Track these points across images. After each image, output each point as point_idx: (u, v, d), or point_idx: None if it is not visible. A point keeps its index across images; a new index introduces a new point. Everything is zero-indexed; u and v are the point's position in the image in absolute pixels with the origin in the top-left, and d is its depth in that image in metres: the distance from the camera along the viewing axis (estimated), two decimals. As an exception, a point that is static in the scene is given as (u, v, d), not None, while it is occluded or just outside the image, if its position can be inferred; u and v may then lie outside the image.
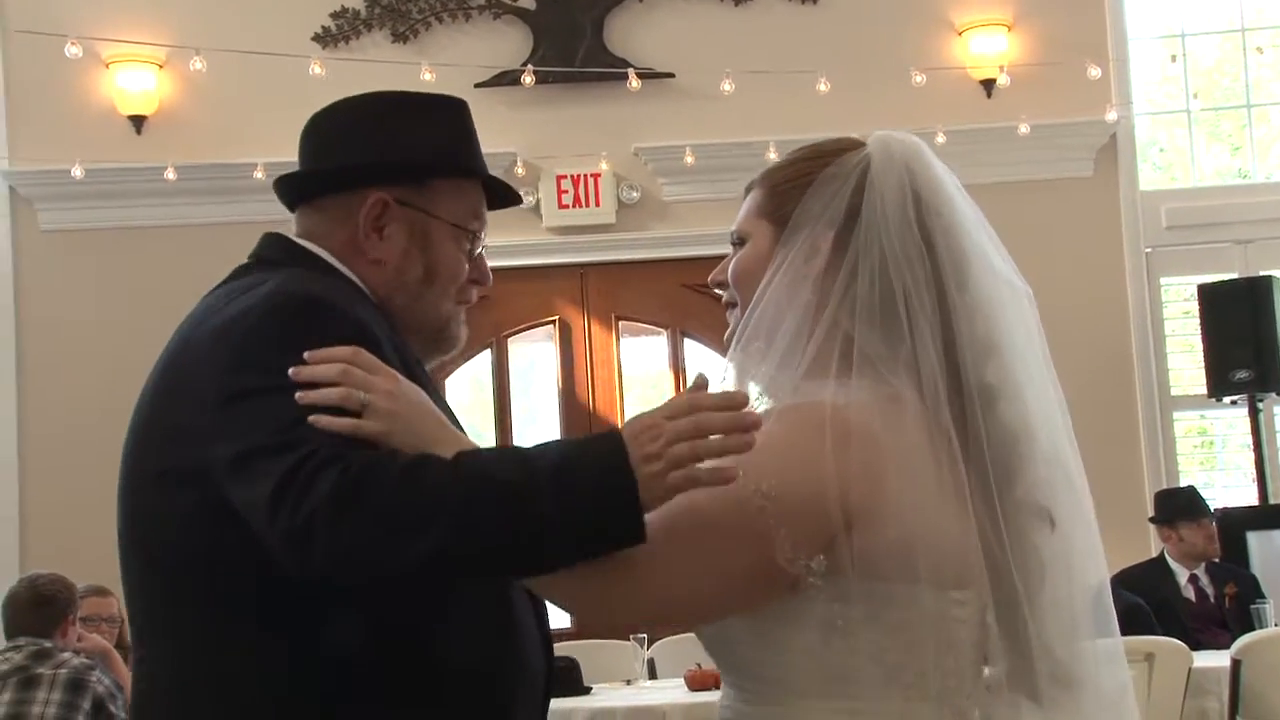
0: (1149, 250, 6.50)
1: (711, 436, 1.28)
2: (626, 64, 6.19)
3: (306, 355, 1.36)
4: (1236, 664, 4.28)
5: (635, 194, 6.32)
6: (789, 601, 1.33)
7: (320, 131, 1.69)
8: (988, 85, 6.41)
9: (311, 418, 1.33)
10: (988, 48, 6.42)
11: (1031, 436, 1.44)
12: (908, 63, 6.19)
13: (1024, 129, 6.25)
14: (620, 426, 1.33)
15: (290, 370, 1.36)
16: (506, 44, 6.27)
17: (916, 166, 1.51)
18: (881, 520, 1.32)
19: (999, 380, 1.43)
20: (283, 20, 6.05)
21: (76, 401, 5.75)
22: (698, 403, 1.29)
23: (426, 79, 5.85)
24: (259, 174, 5.72)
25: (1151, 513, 5.58)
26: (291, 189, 1.67)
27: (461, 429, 1.50)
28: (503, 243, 6.10)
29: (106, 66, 6.06)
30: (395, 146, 1.63)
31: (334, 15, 6.22)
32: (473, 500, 1.28)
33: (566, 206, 6.26)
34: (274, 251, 1.62)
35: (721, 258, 6.01)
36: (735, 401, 1.30)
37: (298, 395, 1.34)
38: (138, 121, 6.08)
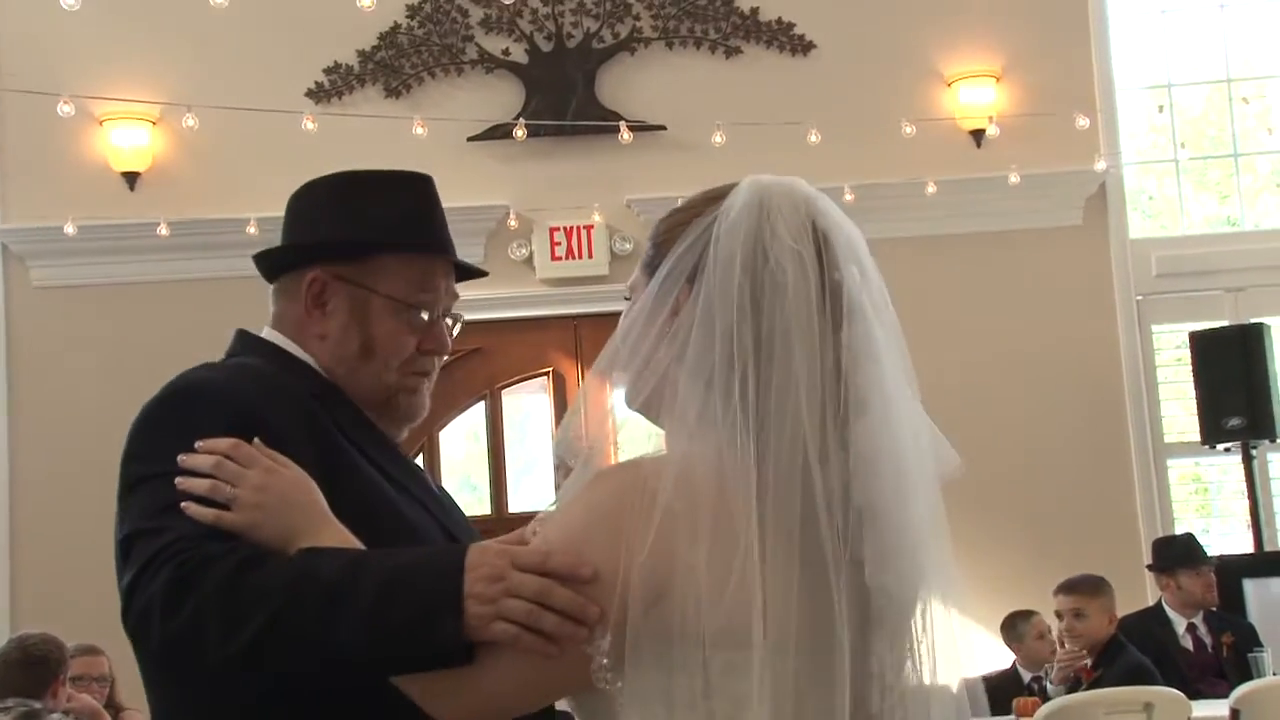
0: (1140, 298, 6.52)
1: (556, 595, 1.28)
2: (618, 117, 6.23)
3: (197, 445, 1.42)
4: (1235, 714, 4.25)
5: (628, 245, 6.34)
6: (613, 678, 1.31)
7: (290, 211, 1.75)
8: (977, 135, 6.45)
9: (183, 504, 1.39)
10: (977, 98, 6.47)
11: (886, 514, 1.36)
12: (897, 113, 6.23)
13: (1014, 178, 6.28)
14: (467, 550, 1.33)
15: (179, 457, 1.42)
16: (499, 98, 6.31)
17: (773, 214, 1.41)
18: (680, 590, 1.28)
19: (859, 444, 1.36)
20: (276, 76, 6.09)
21: (68, 456, 5.72)
22: (550, 567, 1.28)
23: (418, 133, 5.88)
24: (252, 229, 5.73)
25: (1149, 560, 5.55)
26: (260, 269, 1.75)
27: (426, 496, 1.59)
28: (496, 295, 6.12)
29: (100, 124, 6.08)
30: (340, 225, 1.68)
31: (327, 71, 6.25)
32: (293, 599, 1.31)
33: (560, 258, 6.27)
34: (235, 345, 1.71)
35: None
36: (581, 576, 1.28)
37: (177, 481, 1.41)
38: (131, 178, 6.09)
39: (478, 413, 6.35)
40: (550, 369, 6.38)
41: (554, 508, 1.40)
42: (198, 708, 1.49)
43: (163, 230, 5.90)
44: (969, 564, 5.39)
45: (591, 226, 6.27)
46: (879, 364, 1.39)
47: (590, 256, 6.28)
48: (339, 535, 1.41)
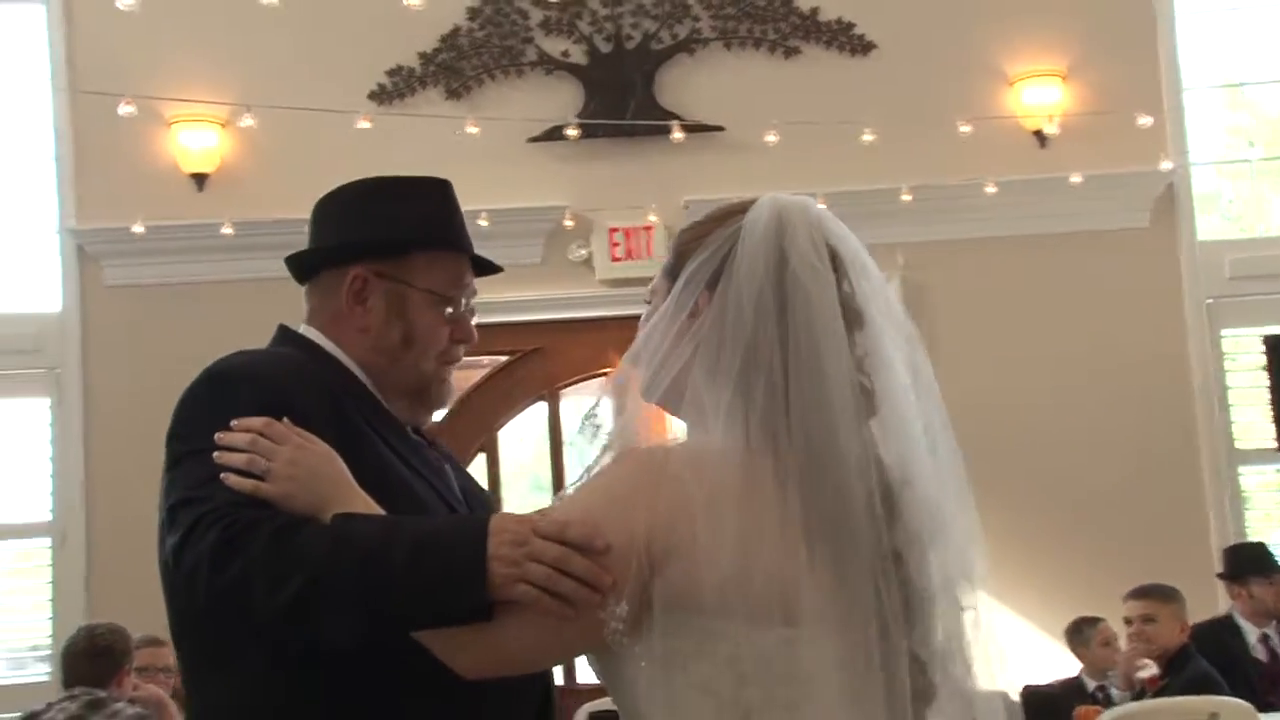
0: (1210, 301, 6.43)
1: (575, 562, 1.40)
2: (677, 117, 6.25)
3: (233, 424, 1.56)
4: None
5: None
6: (631, 642, 1.42)
7: (318, 215, 1.89)
8: (1040, 136, 6.39)
9: (221, 476, 1.53)
10: (1041, 98, 6.41)
11: (910, 486, 1.50)
12: (958, 113, 6.19)
13: (1076, 179, 6.22)
14: (491, 518, 1.45)
15: (215, 435, 1.56)
16: (559, 99, 6.35)
17: (791, 230, 1.54)
18: (690, 561, 1.39)
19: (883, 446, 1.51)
20: (340, 79, 6.16)
21: (140, 450, 5.77)
22: (568, 536, 1.40)
23: (471, 133, 5.92)
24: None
25: (1220, 569, 5.46)
26: (293, 269, 1.90)
27: (438, 481, 1.72)
28: (556, 296, 6.16)
29: (169, 126, 6.18)
30: (376, 225, 1.81)
31: (389, 73, 6.32)
32: (329, 560, 1.43)
33: (619, 259, 6.29)
34: (276, 338, 1.86)
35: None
36: (596, 547, 1.40)
37: (215, 456, 1.54)
38: (199, 179, 6.20)
39: (539, 412, 6.39)
40: (609, 369, 6.39)
41: (575, 488, 1.51)
42: (236, 708, 1.61)
43: (227, 230, 5.99)
44: (1035, 570, 5.40)
45: (650, 227, 6.29)
46: (891, 370, 1.52)
47: (650, 257, 6.29)
48: (366, 504, 1.54)
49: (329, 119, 5.88)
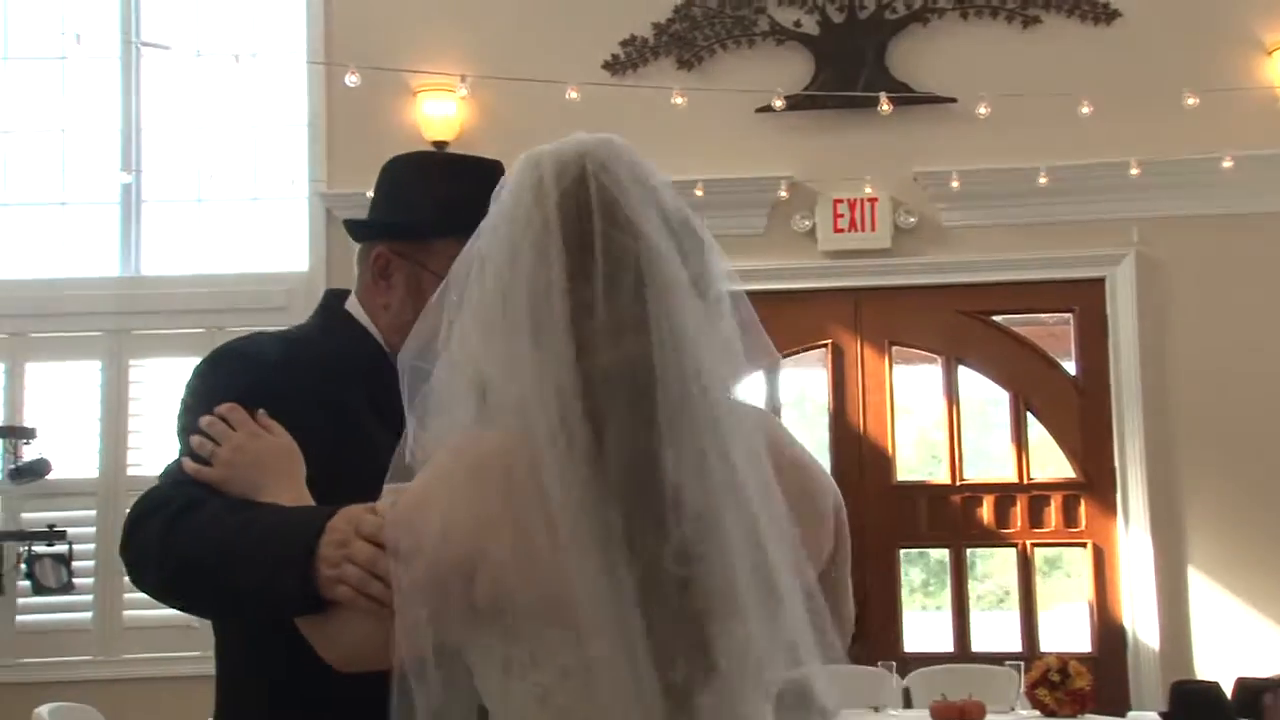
0: None
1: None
2: (908, 89, 6.14)
3: (215, 409, 1.64)
4: None
5: (912, 219, 6.25)
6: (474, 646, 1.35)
7: (377, 184, 1.94)
8: (1297, 109, 6.04)
9: (183, 458, 1.63)
10: (1298, 68, 6.05)
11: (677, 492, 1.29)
12: (1204, 84, 5.90)
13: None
14: (336, 512, 1.46)
15: (201, 418, 1.64)
16: (789, 69, 6.31)
17: (576, 176, 1.36)
18: (499, 564, 1.29)
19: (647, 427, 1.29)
20: (575, 50, 6.27)
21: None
22: (380, 537, 1.39)
23: (699, 101, 5.95)
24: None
25: None
26: (350, 233, 1.95)
27: None
28: (777, 265, 6.15)
29: (414, 95, 6.42)
30: (403, 207, 1.86)
31: (623, 44, 6.40)
32: (199, 548, 1.53)
33: (842, 230, 6.24)
34: (318, 307, 1.94)
35: (999, 284, 5.95)
36: (402, 548, 1.34)
37: (191, 438, 1.64)
38: (441, 146, 6.41)
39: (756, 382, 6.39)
40: (829, 341, 6.36)
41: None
42: (246, 674, 1.73)
43: (466, 197, 6.17)
44: (1271, 556, 5.16)
45: (875, 199, 6.21)
46: (683, 350, 1.31)
47: (873, 229, 6.22)
48: (296, 495, 1.57)
49: (562, 88, 6.00)
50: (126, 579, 5.14)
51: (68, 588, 6.16)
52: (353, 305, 1.88)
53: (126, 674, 6.11)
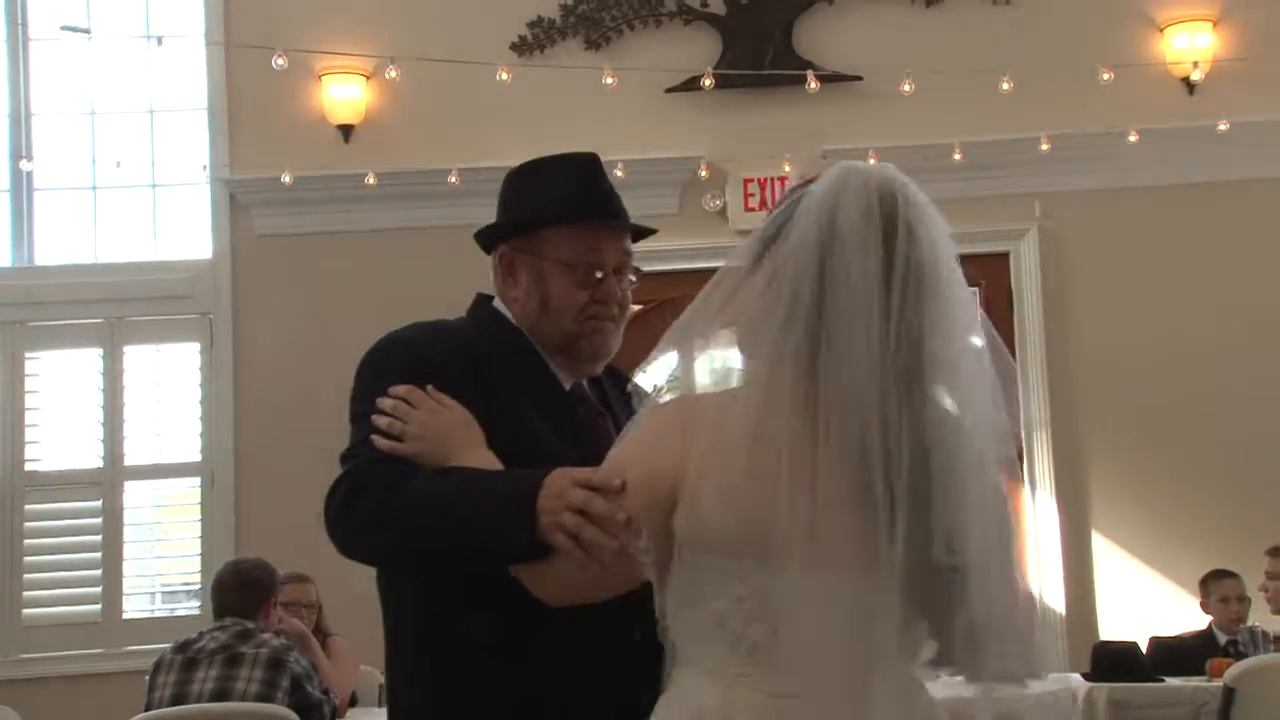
0: (1365, 251, 6.15)
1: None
2: (814, 68, 6.15)
3: (390, 391, 1.82)
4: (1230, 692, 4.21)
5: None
6: (667, 576, 1.55)
7: (499, 196, 2.12)
8: (1188, 84, 6.16)
9: (372, 436, 1.79)
10: (1190, 44, 6.16)
11: (946, 471, 1.50)
12: (1102, 61, 5.99)
13: (1224, 126, 5.99)
14: (551, 473, 1.63)
15: (377, 401, 1.82)
16: (696, 49, 6.29)
17: (845, 199, 1.58)
18: (699, 501, 1.50)
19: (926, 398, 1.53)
20: (481, 31, 6.18)
21: (287, 394, 5.99)
22: (594, 481, 1.57)
23: (607, 83, 5.91)
24: (453, 179, 5.87)
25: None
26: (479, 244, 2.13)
27: (599, 440, 1.86)
28: (690, 246, 6.11)
29: (319, 79, 6.29)
30: (515, 207, 2.06)
31: (530, 25, 6.33)
32: (421, 511, 1.72)
33: (753, 209, 6.23)
34: (471, 305, 2.11)
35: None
36: (612, 488, 1.53)
37: (373, 419, 1.81)
38: (346, 130, 6.30)
39: (671, 361, 6.38)
40: (743, 319, 6.36)
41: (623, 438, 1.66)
42: (411, 617, 1.92)
43: (370, 179, 6.09)
44: (1172, 523, 5.30)
45: (785, 178, 6.22)
46: (950, 344, 1.54)
47: (784, 208, 6.22)
48: (485, 459, 1.75)
49: (470, 72, 5.92)
50: (26, 576, 5.05)
51: (-33, 588, 5.98)
52: (497, 303, 2.07)
53: (27, 674, 5.95)
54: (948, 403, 1.52)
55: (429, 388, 1.82)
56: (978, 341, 1.58)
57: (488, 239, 2.07)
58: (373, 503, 1.75)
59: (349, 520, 1.77)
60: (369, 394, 1.85)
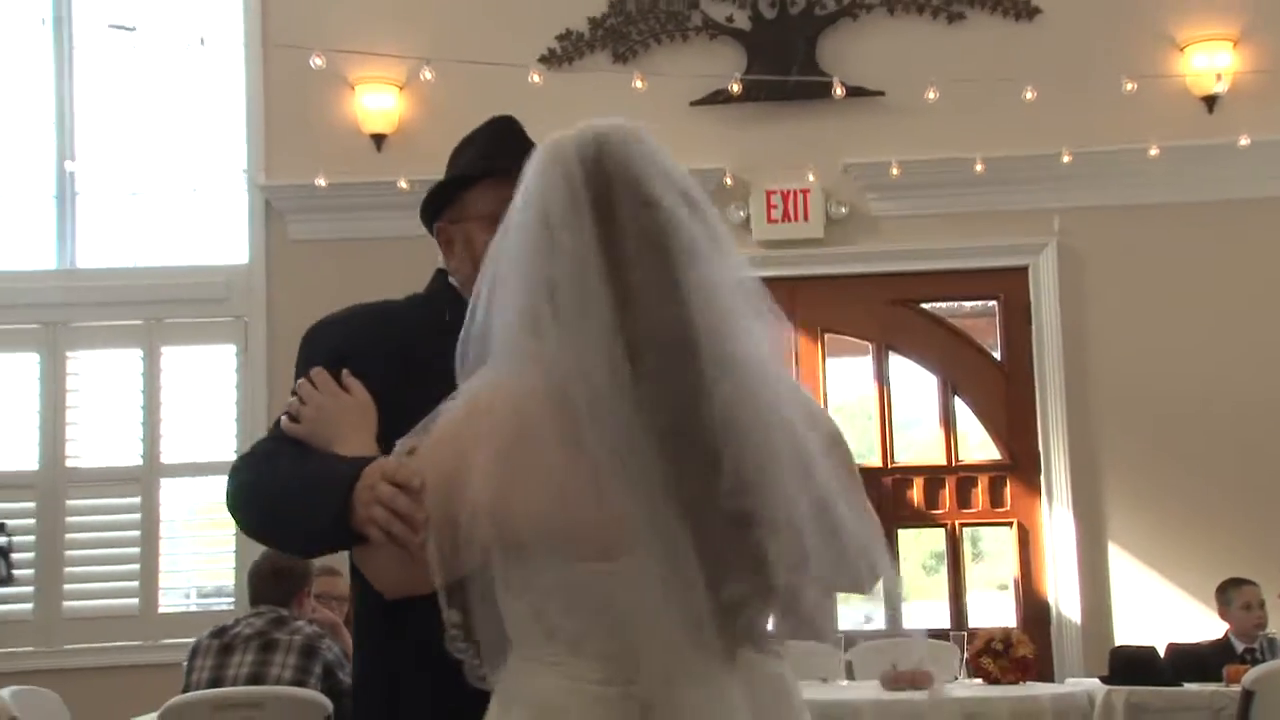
0: (1380, 270, 6.11)
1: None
2: (838, 82, 6.14)
3: (310, 373, 1.83)
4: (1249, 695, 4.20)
5: (844, 209, 6.27)
6: (464, 577, 1.50)
7: None
8: (1209, 101, 6.13)
9: (281, 417, 1.82)
10: (1210, 63, 6.13)
11: (740, 440, 1.42)
12: (1123, 79, 5.97)
13: (1244, 142, 5.96)
14: (371, 462, 1.60)
15: (297, 381, 1.84)
16: (721, 63, 6.30)
17: (595, 157, 1.51)
18: (501, 496, 1.44)
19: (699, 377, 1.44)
20: (511, 44, 6.21)
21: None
22: (397, 477, 1.53)
23: (637, 86, 5.94)
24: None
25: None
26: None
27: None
28: (714, 256, 6.12)
29: (353, 89, 6.33)
30: (442, 184, 2.06)
31: (559, 37, 6.36)
32: (263, 491, 1.76)
33: (775, 221, 6.24)
34: (429, 281, 2.10)
35: (929, 274, 5.94)
36: (412, 487, 1.50)
37: (289, 400, 1.84)
38: (378, 139, 6.34)
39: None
40: (764, 328, 6.35)
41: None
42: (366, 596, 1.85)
43: (403, 186, 6.12)
44: (1188, 535, 5.28)
45: (807, 190, 6.22)
46: (715, 307, 1.45)
47: (806, 220, 6.23)
48: (361, 444, 1.72)
49: (499, 83, 5.94)
50: (66, 569, 5.06)
51: (7, 579, 6.04)
52: (452, 279, 2.06)
53: (68, 664, 6.01)
54: (724, 369, 1.43)
55: (344, 372, 1.82)
56: (750, 302, 1.50)
57: (423, 217, 2.07)
58: (240, 480, 1.80)
59: (229, 493, 1.82)
60: (297, 374, 1.88)
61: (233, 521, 1.83)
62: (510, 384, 1.48)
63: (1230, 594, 5.17)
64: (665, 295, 1.44)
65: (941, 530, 6.33)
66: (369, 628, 1.91)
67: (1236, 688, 4.37)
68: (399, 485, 1.52)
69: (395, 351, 1.88)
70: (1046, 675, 5.60)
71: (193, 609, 6.41)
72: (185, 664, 4.03)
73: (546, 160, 1.54)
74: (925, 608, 6.74)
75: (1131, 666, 4.72)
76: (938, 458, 6.36)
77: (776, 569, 1.42)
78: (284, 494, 1.73)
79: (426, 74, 6.05)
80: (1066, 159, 6.05)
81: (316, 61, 5.87)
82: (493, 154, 2.02)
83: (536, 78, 5.99)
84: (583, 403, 1.42)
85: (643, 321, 1.43)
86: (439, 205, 2.05)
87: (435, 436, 1.52)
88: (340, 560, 1.84)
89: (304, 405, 1.79)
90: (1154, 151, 6.02)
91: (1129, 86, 5.94)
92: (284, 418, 1.82)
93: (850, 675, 5.19)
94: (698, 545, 1.41)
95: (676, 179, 1.53)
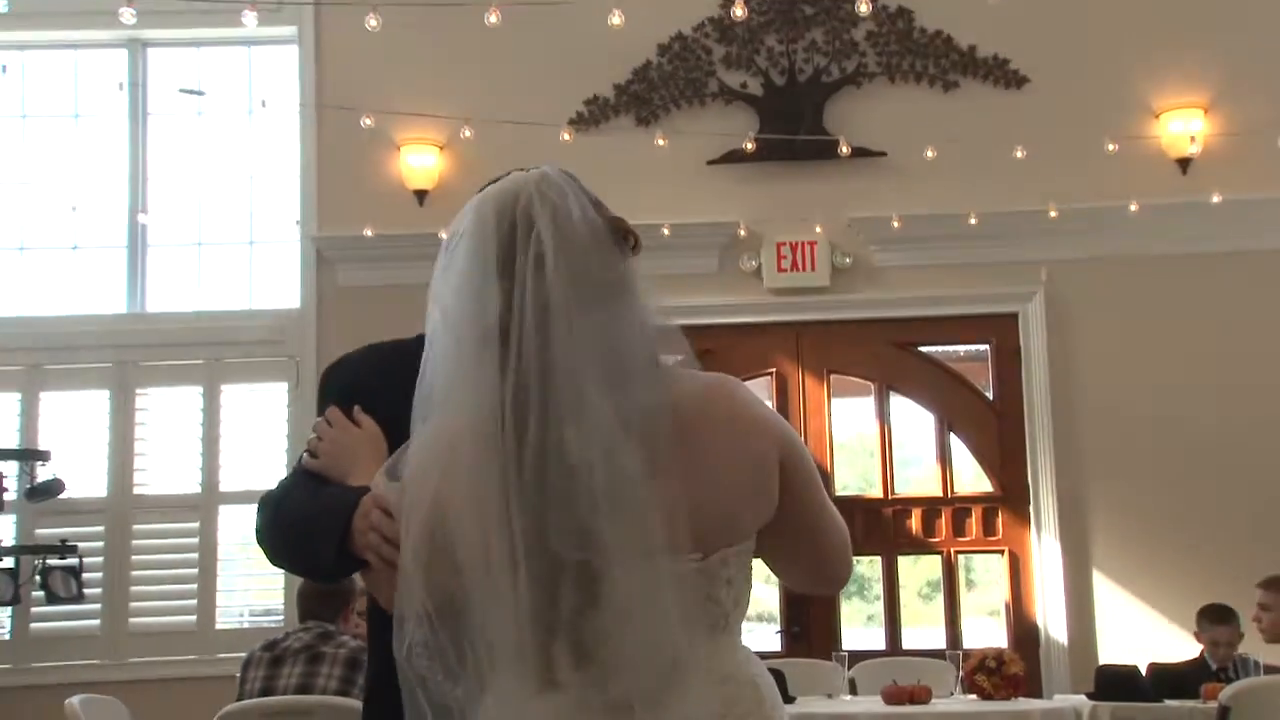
0: (1345, 319, 6.10)
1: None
2: (841, 150, 6.19)
3: (327, 411, 1.84)
4: (1225, 710, 4.14)
5: (848, 260, 6.29)
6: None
7: None
8: (1183, 163, 6.16)
9: (303, 453, 1.83)
10: (1184, 128, 6.16)
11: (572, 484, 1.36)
12: (1104, 143, 6.00)
13: (1216, 199, 5.98)
14: (368, 494, 1.61)
15: (316, 420, 1.85)
16: (736, 125, 6.35)
17: (527, 203, 1.52)
18: (436, 525, 1.40)
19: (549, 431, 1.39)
20: (542, 109, 6.27)
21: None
22: (384, 505, 1.55)
23: (659, 144, 6.01)
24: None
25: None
26: None
27: None
28: (727, 302, 6.18)
29: (398, 149, 6.41)
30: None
31: (587, 102, 6.42)
32: (281, 522, 1.77)
33: (785, 270, 6.27)
34: None
35: (927, 319, 5.99)
36: (394, 513, 1.50)
37: (308, 437, 1.84)
38: (421, 195, 6.40)
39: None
40: (774, 370, 6.38)
41: None
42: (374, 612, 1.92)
43: (442, 235, 6.15)
44: (1167, 563, 5.24)
45: (814, 242, 6.25)
46: (577, 356, 1.40)
47: (813, 269, 6.26)
48: (369, 477, 1.67)
49: (532, 144, 6.00)
50: (132, 589, 5.07)
51: (78, 598, 6.06)
52: None
53: (132, 676, 6.02)
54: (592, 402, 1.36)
55: (355, 408, 1.82)
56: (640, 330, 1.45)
57: None
58: (263, 516, 1.82)
59: (255, 527, 1.83)
60: (318, 412, 1.89)
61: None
62: (447, 421, 1.45)
63: (1204, 625, 5.11)
64: (536, 348, 1.39)
65: (938, 557, 6.31)
66: (378, 641, 1.88)
67: (1213, 704, 4.33)
68: (388, 512, 1.52)
69: (401, 385, 1.84)
70: (1036, 692, 5.56)
71: (246, 626, 6.42)
72: (239, 675, 4.04)
73: (470, 216, 1.57)
74: (923, 633, 6.71)
75: (1115, 684, 4.69)
76: (934, 490, 6.34)
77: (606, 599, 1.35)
78: (296, 526, 1.73)
79: (466, 132, 6.12)
80: (1053, 214, 6.08)
81: (366, 122, 5.96)
82: None
83: (566, 136, 6.06)
84: (476, 440, 1.40)
85: (521, 371, 1.39)
86: None
87: (410, 465, 1.47)
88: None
89: (320, 442, 1.79)
90: (1134, 207, 6.04)
91: (1111, 147, 5.98)
92: (305, 455, 1.82)
93: (853, 690, 5.16)
94: (532, 576, 1.35)
95: (583, 227, 1.48)
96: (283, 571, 6.05)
